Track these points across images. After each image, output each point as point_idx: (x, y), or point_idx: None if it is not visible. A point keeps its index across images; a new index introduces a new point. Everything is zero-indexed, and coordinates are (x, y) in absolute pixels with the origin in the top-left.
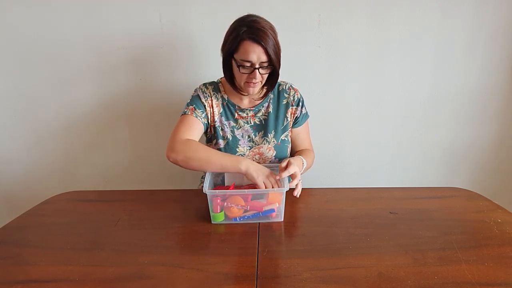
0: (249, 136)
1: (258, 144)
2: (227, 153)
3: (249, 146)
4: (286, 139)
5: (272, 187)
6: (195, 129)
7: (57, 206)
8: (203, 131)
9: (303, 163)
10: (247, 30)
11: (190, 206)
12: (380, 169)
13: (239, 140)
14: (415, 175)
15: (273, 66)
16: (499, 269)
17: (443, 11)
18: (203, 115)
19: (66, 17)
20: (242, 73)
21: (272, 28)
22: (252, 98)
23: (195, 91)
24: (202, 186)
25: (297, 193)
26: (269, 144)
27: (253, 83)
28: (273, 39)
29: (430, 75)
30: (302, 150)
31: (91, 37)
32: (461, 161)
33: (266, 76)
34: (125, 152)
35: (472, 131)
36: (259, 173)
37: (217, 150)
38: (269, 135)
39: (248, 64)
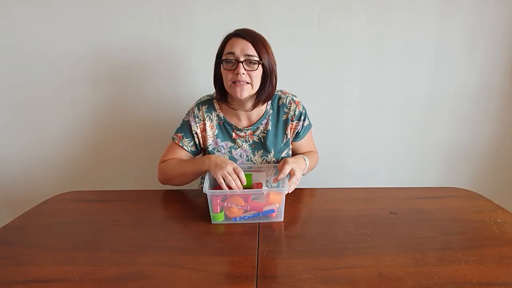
0: (247, 156)
1: (257, 163)
2: (195, 159)
3: (248, 166)
4: (286, 155)
5: (234, 181)
6: (179, 156)
7: (57, 206)
8: (191, 156)
9: (305, 161)
10: (235, 30)
11: (190, 206)
12: (380, 169)
13: (237, 160)
14: (415, 175)
15: (261, 62)
16: (499, 269)
17: (443, 11)
18: (191, 143)
19: (66, 17)
20: (226, 69)
21: (263, 37)
22: (250, 114)
23: (187, 114)
24: (202, 186)
25: (288, 189)
26: (268, 164)
27: (239, 82)
28: (262, 39)
29: (430, 75)
30: (305, 152)
31: (91, 37)
32: (461, 161)
33: (254, 75)
34: (125, 152)
35: (472, 131)
36: (217, 168)
37: (186, 160)
38: (268, 155)
39: (232, 58)
